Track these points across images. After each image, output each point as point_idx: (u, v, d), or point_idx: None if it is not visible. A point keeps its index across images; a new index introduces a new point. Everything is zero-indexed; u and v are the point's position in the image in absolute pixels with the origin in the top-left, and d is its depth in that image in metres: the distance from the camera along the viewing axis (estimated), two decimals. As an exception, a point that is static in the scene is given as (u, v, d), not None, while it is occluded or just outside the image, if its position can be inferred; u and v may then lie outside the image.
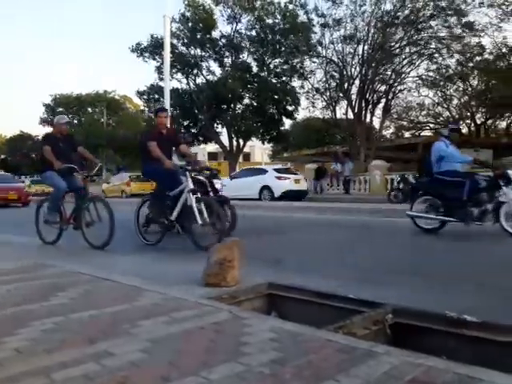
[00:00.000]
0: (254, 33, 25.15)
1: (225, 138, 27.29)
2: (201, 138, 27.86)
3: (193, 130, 27.57)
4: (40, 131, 67.47)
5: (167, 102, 19.37)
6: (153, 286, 2.95)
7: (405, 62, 22.48)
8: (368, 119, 24.81)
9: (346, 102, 24.07)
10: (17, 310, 2.41)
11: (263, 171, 18.08)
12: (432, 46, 22.04)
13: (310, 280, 3.40)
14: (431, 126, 37.21)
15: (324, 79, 24.22)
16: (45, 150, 5.95)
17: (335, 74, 23.96)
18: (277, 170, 17.92)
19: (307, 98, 26.13)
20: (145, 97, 27.05)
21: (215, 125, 26.91)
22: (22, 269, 3.75)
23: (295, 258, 4.94)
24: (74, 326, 2.14)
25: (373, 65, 22.30)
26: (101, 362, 1.68)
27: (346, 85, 23.49)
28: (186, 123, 27.00)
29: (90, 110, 41.68)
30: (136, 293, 2.80)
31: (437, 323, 2.39)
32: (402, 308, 2.56)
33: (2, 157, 48.92)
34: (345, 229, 8.21)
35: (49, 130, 41.45)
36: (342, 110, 25.53)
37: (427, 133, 36.52)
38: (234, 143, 26.66)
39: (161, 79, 25.75)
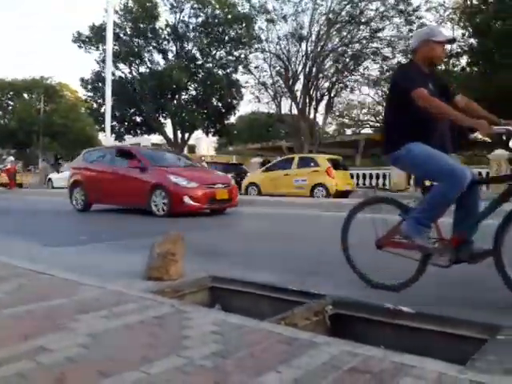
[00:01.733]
0: (198, 21, 24.90)
1: (169, 130, 26.95)
2: (144, 128, 27.27)
3: (137, 119, 26.98)
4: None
5: (108, 91, 18.85)
6: (92, 280, 2.87)
7: (347, 60, 23.04)
8: (312, 115, 25.29)
9: (290, 97, 24.36)
10: None
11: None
12: (374, 45, 22.76)
13: (254, 274, 3.43)
14: (371, 123, 38.63)
15: (269, 74, 24.41)
16: (420, 95, 2.83)
17: (280, 69, 24.19)
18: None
19: (252, 93, 26.25)
20: (89, 86, 26.06)
21: (159, 115, 26.43)
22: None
23: (238, 252, 4.96)
24: (6, 322, 2.04)
25: (317, 61, 22.69)
26: (36, 358, 1.61)
27: (290, 81, 23.78)
28: (129, 113, 26.36)
29: (26, 96, 39.58)
30: (74, 287, 2.70)
31: (374, 314, 2.48)
32: (341, 299, 2.64)
33: None
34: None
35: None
36: (286, 106, 25.88)
37: (368, 130, 37.93)
38: (179, 135, 26.33)
39: (102, 68, 24.97)
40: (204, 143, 50.62)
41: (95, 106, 26.48)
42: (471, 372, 1.52)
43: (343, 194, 13.64)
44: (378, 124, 37.69)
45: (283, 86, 24.28)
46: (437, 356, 2.04)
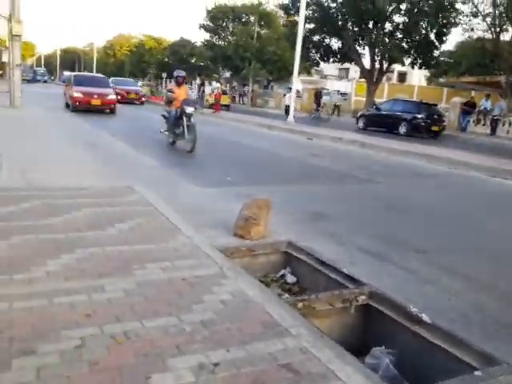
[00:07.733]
0: None
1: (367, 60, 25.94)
2: (339, 56, 26.75)
3: (337, 45, 26.49)
4: (199, 37, 70.76)
5: (302, 14, 18.84)
6: (188, 228, 3.53)
7: None
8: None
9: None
10: (73, 236, 3.16)
11: None
12: None
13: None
14: None
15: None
16: None
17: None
18: None
19: (465, 23, 23.21)
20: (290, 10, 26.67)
21: (358, 44, 25.45)
22: (112, 191, 4.61)
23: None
24: (99, 260, 2.80)
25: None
26: (91, 294, 2.30)
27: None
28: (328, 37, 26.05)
29: (244, 20, 42.13)
30: (171, 234, 3.39)
31: (399, 314, 2.58)
32: (378, 292, 2.76)
33: (166, 60, 52.50)
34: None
35: (206, 35, 43.12)
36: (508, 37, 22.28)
37: None
38: (377, 66, 25.17)
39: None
40: (416, 72, 47.37)
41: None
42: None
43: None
44: None
45: (504, 14, 20.87)
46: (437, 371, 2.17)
